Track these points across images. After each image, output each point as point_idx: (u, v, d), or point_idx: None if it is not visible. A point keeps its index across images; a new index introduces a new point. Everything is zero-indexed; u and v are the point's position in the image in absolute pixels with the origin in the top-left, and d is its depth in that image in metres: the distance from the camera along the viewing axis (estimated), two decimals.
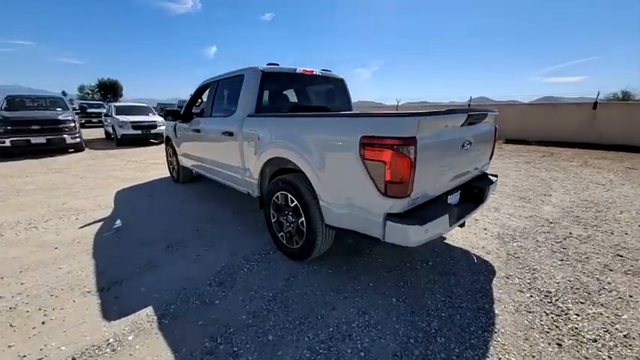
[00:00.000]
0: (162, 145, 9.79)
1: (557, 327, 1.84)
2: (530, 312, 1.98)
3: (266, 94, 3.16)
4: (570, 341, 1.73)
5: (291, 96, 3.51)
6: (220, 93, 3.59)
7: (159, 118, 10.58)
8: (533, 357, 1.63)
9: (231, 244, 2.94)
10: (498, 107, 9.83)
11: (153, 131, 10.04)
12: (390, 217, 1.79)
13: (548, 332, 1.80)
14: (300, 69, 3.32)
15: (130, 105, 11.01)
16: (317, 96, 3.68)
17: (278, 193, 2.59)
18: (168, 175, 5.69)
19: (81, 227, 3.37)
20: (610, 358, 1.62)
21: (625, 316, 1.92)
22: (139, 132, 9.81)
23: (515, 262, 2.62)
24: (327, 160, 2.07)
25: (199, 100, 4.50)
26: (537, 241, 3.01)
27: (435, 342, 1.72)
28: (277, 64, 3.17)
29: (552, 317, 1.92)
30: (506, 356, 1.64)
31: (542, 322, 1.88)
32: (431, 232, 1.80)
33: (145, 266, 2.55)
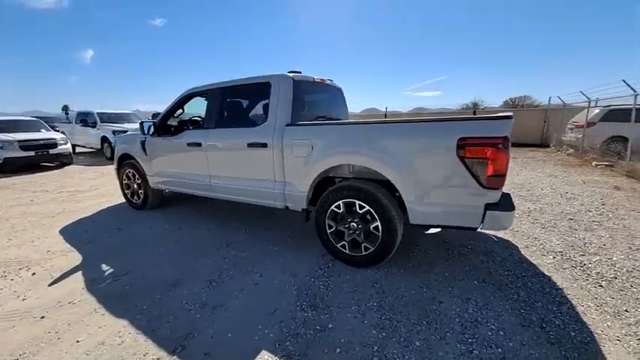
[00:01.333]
0: (70, 169, 7.83)
1: (588, 275, 2.43)
2: (564, 268, 2.54)
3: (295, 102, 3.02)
4: (604, 282, 2.32)
5: (313, 104, 3.43)
6: (231, 102, 3.22)
7: (57, 135, 8.33)
8: (596, 298, 2.13)
9: (281, 265, 2.68)
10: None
11: (52, 151, 7.84)
12: (488, 207, 2.04)
13: (587, 279, 2.37)
14: (317, 78, 3.31)
15: (11, 119, 8.27)
16: (328, 104, 3.70)
17: (340, 202, 2.54)
18: (114, 203, 4.64)
19: (52, 284, 2.45)
20: (632, 285, 2.26)
21: (615, 258, 2.69)
22: (32, 153, 7.51)
23: (519, 234, 3.26)
24: (416, 162, 2.18)
25: (179, 112, 3.87)
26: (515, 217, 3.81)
27: (536, 305, 2.04)
28: (300, 72, 3.08)
29: (580, 269, 2.53)
30: (582, 301, 2.08)
31: (578, 274, 2.45)
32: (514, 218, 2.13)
33: (204, 310, 2.09)
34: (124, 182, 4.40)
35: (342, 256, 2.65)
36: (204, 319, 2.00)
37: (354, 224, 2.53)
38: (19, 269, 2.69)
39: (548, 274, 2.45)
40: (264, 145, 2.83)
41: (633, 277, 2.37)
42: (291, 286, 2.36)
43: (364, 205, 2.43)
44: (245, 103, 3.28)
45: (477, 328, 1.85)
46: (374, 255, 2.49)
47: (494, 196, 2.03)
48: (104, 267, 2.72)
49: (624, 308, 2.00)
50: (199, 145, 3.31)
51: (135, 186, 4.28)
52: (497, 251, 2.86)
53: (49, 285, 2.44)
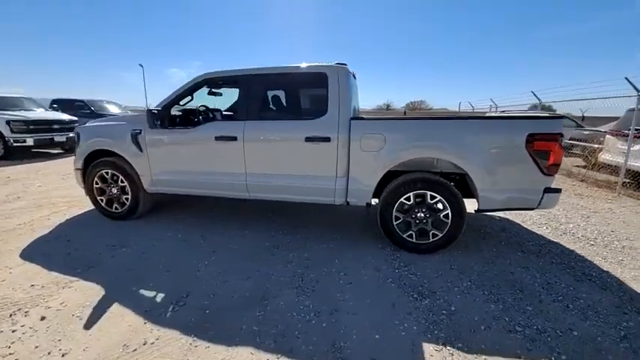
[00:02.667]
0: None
1: (578, 238, 3.21)
2: (559, 236, 3.28)
3: None
4: (592, 242, 3.11)
5: (354, 96, 3.36)
6: (274, 91, 2.91)
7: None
8: (598, 255, 2.84)
9: (354, 261, 2.63)
10: None
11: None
12: (546, 190, 2.50)
13: (579, 242, 3.13)
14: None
15: None
16: (356, 96, 3.70)
17: (411, 194, 2.66)
18: (65, 215, 3.63)
19: (89, 326, 1.80)
20: (611, 242, 3.09)
21: (581, 225, 3.61)
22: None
23: (510, 214, 4.00)
24: (490, 154, 2.48)
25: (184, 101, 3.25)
26: None
27: (571, 265, 2.62)
28: (345, 64, 3.02)
29: (569, 235, 3.31)
30: (593, 258, 2.76)
31: (571, 239, 3.21)
32: None
33: (323, 317, 1.91)
34: (95, 186, 3.43)
35: (408, 245, 2.77)
36: (333, 325, 1.85)
37: (422, 214, 2.70)
38: (10, 315, 1.87)
39: (555, 240, 3.14)
40: (327, 140, 2.70)
41: (606, 236, 3.26)
42: (384, 279, 2.37)
43: (436, 195, 2.62)
44: (291, 93, 3.00)
45: (553, 289, 2.27)
46: (442, 242, 2.71)
47: (550, 181, 2.50)
48: (146, 293, 2.14)
49: (620, 259, 2.77)
50: (234, 139, 2.89)
51: (115, 190, 3.39)
52: (508, 227, 3.47)
53: (86, 328, 1.79)
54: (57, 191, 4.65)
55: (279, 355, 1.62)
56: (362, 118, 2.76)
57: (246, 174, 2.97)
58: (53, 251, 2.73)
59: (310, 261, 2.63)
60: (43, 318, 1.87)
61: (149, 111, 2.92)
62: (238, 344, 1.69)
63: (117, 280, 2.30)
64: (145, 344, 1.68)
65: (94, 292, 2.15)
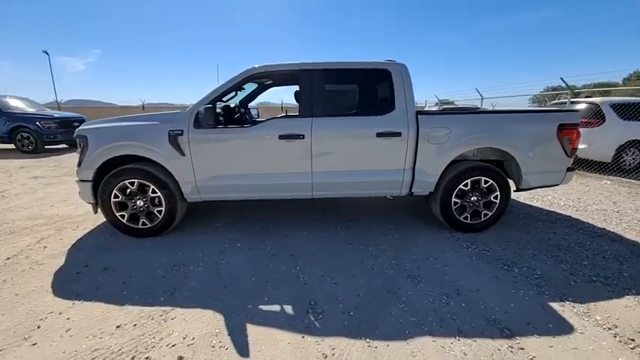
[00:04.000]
0: None
1: (589, 213, 4.05)
2: (565, 209, 4.07)
3: None
4: (604, 216, 3.91)
5: None
6: (336, 87, 2.85)
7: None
8: (618, 224, 3.57)
9: (436, 247, 2.83)
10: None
11: None
12: (568, 169, 3.11)
13: (586, 212, 3.92)
14: None
15: None
16: None
17: (468, 180, 2.99)
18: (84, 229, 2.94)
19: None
20: (617, 212, 3.98)
21: (576, 196, 4.54)
22: None
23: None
24: (531, 142, 2.94)
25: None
26: None
27: (602, 233, 3.32)
28: (394, 60, 3.15)
29: (581, 211, 4.08)
30: (610, 225, 3.54)
31: (576, 211, 4.00)
32: None
33: (461, 306, 2.07)
34: (114, 200, 2.82)
35: (462, 226, 3.10)
36: (471, 304, 2.01)
37: (475, 197, 3.06)
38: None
39: (551, 210, 3.90)
40: (398, 134, 2.81)
41: (580, 203, 4.18)
42: (469, 258, 2.63)
43: (489, 180, 3.00)
44: (354, 89, 2.97)
45: (584, 245, 2.87)
46: (491, 220, 3.12)
47: (570, 162, 3.12)
48: (269, 307, 1.96)
49: (603, 218, 3.60)
50: (300, 137, 2.75)
51: (141, 203, 2.86)
52: (519, 206, 4.15)
53: (245, 355, 1.57)
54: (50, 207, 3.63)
55: (458, 337, 1.72)
56: (428, 113, 2.95)
57: (312, 173, 2.88)
58: (101, 284, 2.21)
59: (392, 252, 2.73)
60: (180, 358, 1.56)
61: (197, 109, 2.56)
62: (410, 337, 1.73)
63: (221, 300, 2.03)
64: (326, 357, 1.58)
65: (208, 317, 1.86)
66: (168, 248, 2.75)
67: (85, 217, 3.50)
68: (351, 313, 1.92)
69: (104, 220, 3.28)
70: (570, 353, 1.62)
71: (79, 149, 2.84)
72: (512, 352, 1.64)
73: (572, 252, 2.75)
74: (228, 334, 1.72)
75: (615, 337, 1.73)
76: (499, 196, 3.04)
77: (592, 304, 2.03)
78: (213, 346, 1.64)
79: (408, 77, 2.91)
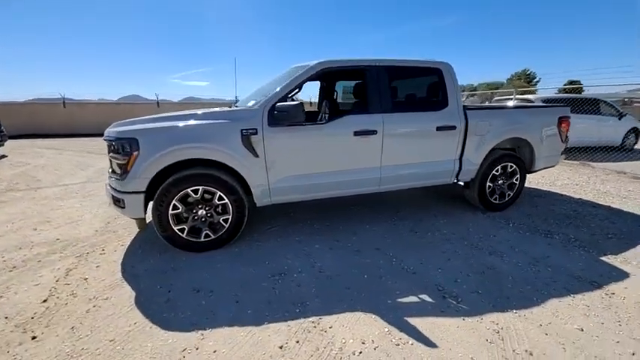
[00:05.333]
0: None
1: (588, 191, 4.96)
2: (563, 188, 4.96)
3: None
4: (601, 194, 4.85)
5: None
6: (398, 83, 2.95)
7: None
8: (622, 199, 4.55)
9: (489, 227, 3.21)
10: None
11: None
12: (561, 153, 3.85)
13: (582, 189, 4.85)
14: None
15: None
16: None
17: (499, 166, 3.47)
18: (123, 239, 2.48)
19: None
20: (608, 190, 4.98)
21: (565, 176, 5.51)
22: None
23: None
24: (542, 131, 3.56)
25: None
26: None
27: (599, 208, 4.17)
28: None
29: (568, 187, 5.00)
30: (592, 197, 4.45)
31: (572, 188, 4.92)
32: None
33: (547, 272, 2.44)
34: (172, 212, 2.42)
35: (493, 206, 3.59)
36: (558, 269, 2.41)
37: (502, 180, 3.58)
38: None
39: (550, 189, 4.74)
40: (454, 128, 3.08)
41: (569, 182, 5.16)
42: (523, 232, 3.06)
43: (513, 165, 3.53)
44: (412, 85, 3.08)
45: (597, 216, 3.63)
46: (512, 199, 3.68)
47: (564, 147, 3.87)
48: (408, 300, 2.00)
49: (597, 196, 4.52)
50: (374, 132, 2.79)
51: (203, 212, 2.51)
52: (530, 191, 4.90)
53: (431, 346, 1.61)
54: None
55: (572, 295, 2.07)
56: (472, 108, 3.28)
57: (381, 167, 2.95)
58: (210, 307, 1.92)
59: (456, 235, 3.00)
60: None
61: (268, 105, 2.40)
62: (541, 302, 2.01)
63: (357, 300, 1.99)
64: (498, 332, 1.74)
65: (364, 318, 1.83)
66: (246, 259, 2.51)
67: (104, 238, 2.88)
68: (480, 292, 2.11)
69: (132, 237, 2.82)
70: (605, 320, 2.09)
71: (120, 154, 2.34)
72: (610, 297, 2.06)
73: (578, 218, 3.46)
74: (400, 331, 1.74)
75: None
76: (519, 179, 3.61)
77: (622, 253, 2.65)
78: (398, 344, 1.64)
79: (455, 75, 3.19)
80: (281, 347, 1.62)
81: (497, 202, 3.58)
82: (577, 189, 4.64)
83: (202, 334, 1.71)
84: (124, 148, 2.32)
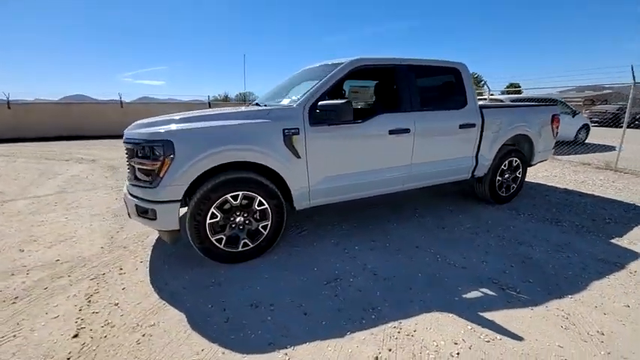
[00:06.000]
0: None
1: (570, 181, 5.40)
2: (561, 183, 5.37)
3: None
4: (594, 186, 5.33)
5: None
6: (422, 82, 2.98)
7: None
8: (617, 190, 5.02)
9: (506, 219, 3.39)
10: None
11: None
12: (553, 147, 4.21)
13: (578, 184, 5.30)
14: None
15: None
16: None
17: (506, 161, 3.70)
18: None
19: None
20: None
21: (559, 172, 5.96)
22: None
23: None
24: (540, 127, 3.86)
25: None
26: None
27: (588, 196, 4.57)
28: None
29: (564, 181, 5.42)
30: (589, 189, 4.89)
31: (567, 184, 5.35)
32: None
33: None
34: (210, 222, 2.18)
35: (501, 198, 3.80)
36: (585, 254, 2.62)
37: (507, 175, 3.81)
38: None
39: (547, 183, 5.15)
40: (473, 126, 3.21)
41: (561, 176, 5.63)
42: (542, 222, 3.28)
43: (517, 159, 3.78)
44: (434, 84, 3.12)
45: (600, 205, 4.02)
46: (516, 192, 3.95)
47: (554, 142, 4.23)
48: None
49: (593, 189, 5.01)
50: (407, 131, 2.79)
51: (241, 219, 2.31)
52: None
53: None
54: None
55: (606, 276, 2.25)
56: (487, 107, 3.43)
57: (412, 165, 2.97)
58: (278, 322, 1.76)
59: (481, 228, 3.13)
60: None
61: (307, 103, 2.32)
62: (587, 284, 2.16)
63: (427, 301, 1.96)
64: (567, 317, 1.82)
65: (445, 319, 1.80)
66: (292, 267, 2.35)
67: (115, 255, 2.52)
68: (530, 281, 2.21)
69: (148, 251, 2.55)
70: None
71: (149, 159, 2.05)
72: (634, 275, 2.28)
73: (572, 206, 3.81)
74: (482, 327, 1.74)
75: None
76: (521, 172, 3.88)
77: (625, 236, 2.96)
78: (488, 341, 1.64)
79: (470, 76, 3.33)
80: (376, 358, 1.54)
81: (504, 194, 3.81)
82: (558, 180, 5.12)
83: (287, 354, 1.55)
84: (154, 152, 2.04)
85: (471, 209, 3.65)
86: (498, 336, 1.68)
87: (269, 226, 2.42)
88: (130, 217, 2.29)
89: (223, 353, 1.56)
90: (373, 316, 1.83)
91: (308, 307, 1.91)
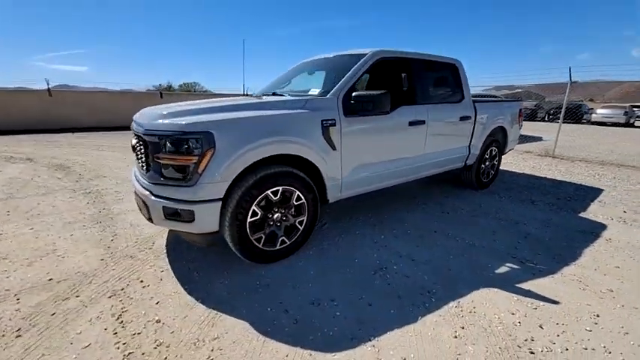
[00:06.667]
0: None
1: (536, 167, 6.09)
2: (524, 169, 6.03)
3: None
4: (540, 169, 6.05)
5: None
6: (429, 76, 3.14)
7: None
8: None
9: (497, 201, 3.78)
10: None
11: None
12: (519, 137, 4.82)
13: (524, 167, 5.99)
14: None
15: None
16: None
17: (489, 150, 4.13)
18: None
19: None
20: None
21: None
22: None
23: None
24: (512, 121, 4.37)
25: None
26: None
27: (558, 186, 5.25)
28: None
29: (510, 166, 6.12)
30: (526, 169, 5.60)
31: (515, 167, 6.02)
32: None
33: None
34: (251, 220, 2.02)
35: (484, 184, 4.25)
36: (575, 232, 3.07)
37: (489, 162, 4.27)
38: None
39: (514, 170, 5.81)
40: (470, 118, 3.50)
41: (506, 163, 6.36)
42: (526, 202, 3.75)
43: (495, 149, 4.25)
44: (433, 79, 3.27)
45: (546, 185, 4.68)
46: (493, 177, 4.44)
47: (519, 133, 4.83)
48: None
49: (556, 172, 5.76)
50: (423, 122, 2.93)
51: (278, 216, 2.18)
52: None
53: None
54: None
55: (605, 244, 2.70)
56: (477, 101, 3.75)
57: (425, 155, 3.13)
58: (348, 318, 1.73)
59: (479, 211, 3.45)
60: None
61: (341, 93, 2.31)
62: (579, 256, 2.56)
63: (487, 283, 2.12)
64: (610, 293, 2.15)
65: (516, 301, 1.97)
66: (333, 260, 2.32)
67: (124, 266, 2.18)
68: (539, 253, 2.53)
69: (163, 258, 2.33)
70: (623, 232, 2.92)
71: (182, 154, 1.80)
72: (611, 242, 2.78)
73: (537, 188, 4.44)
74: (525, 296, 1.95)
75: (625, 221, 3.24)
76: (498, 160, 4.38)
77: (587, 210, 3.56)
78: (536, 308, 1.85)
79: (465, 70, 3.60)
80: (456, 337, 1.62)
81: (485, 180, 4.26)
82: (515, 166, 5.88)
83: (374, 346, 1.55)
84: (190, 145, 1.79)
85: (461, 195, 4.00)
86: (541, 303, 1.91)
87: (305, 221, 2.33)
88: (152, 221, 1.99)
89: (311, 355, 1.49)
90: (433, 299, 1.92)
91: (369, 297, 1.92)
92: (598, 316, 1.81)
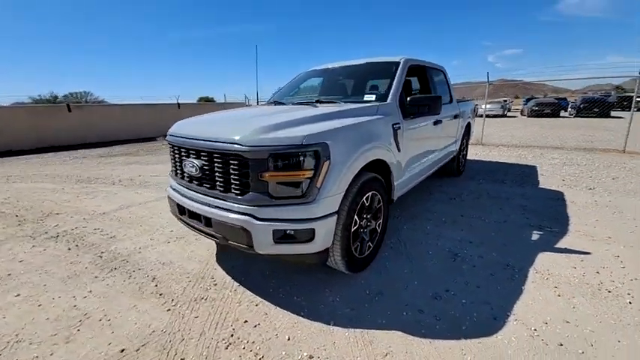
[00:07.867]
0: None
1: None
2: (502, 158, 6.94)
3: None
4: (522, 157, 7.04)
5: None
6: (434, 81, 3.52)
7: None
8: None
9: (485, 187, 4.42)
10: None
11: None
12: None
13: (511, 157, 6.95)
14: None
15: None
16: None
17: (463, 141, 4.84)
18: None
19: None
20: None
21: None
22: None
23: None
24: (472, 117, 5.20)
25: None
26: None
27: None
28: None
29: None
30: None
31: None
32: None
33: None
34: (353, 229, 1.94)
35: (460, 171, 4.96)
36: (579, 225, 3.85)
37: (463, 152, 5.00)
38: None
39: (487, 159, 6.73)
40: (458, 116, 4.05)
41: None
42: (506, 184, 4.48)
43: (466, 141, 5.01)
44: (432, 83, 3.63)
45: (517, 170, 5.67)
46: (464, 164, 5.21)
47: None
48: None
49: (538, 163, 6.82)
50: (440, 122, 3.28)
51: (364, 222, 2.15)
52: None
53: None
54: None
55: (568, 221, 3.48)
56: (459, 102, 4.33)
57: (440, 150, 3.50)
58: (482, 302, 1.86)
59: (474, 194, 4.04)
60: None
61: (396, 96, 2.50)
62: (572, 227, 3.27)
63: (527, 251, 2.50)
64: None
65: (553, 260, 2.37)
66: (409, 257, 2.41)
67: (210, 308, 1.82)
68: (545, 220, 3.14)
69: (235, 286, 2.11)
70: (576, 194, 3.84)
71: (298, 169, 1.63)
72: (575, 204, 3.63)
73: (495, 170, 5.39)
74: (570, 254, 2.43)
75: (570, 187, 4.22)
76: (466, 150, 5.17)
77: (541, 183, 4.54)
78: (582, 260, 2.32)
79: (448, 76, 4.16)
80: (559, 295, 1.93)
81: (461, 168, 4.98)
82: (480, 155, 6.88)
83: (517, 319, 1.72)
84: (305, 159, 1.64)
85: (450, 182, 4.57)
86: (580, 256, 2.42)
87: (382, 223, 2.36)
88: (252, 249, 1.72)
89: (480, 342, 1.57)
90: (515, 270, 2.21)
91: (473, 281, 2.09)
92: (618, 256, 2.40)
